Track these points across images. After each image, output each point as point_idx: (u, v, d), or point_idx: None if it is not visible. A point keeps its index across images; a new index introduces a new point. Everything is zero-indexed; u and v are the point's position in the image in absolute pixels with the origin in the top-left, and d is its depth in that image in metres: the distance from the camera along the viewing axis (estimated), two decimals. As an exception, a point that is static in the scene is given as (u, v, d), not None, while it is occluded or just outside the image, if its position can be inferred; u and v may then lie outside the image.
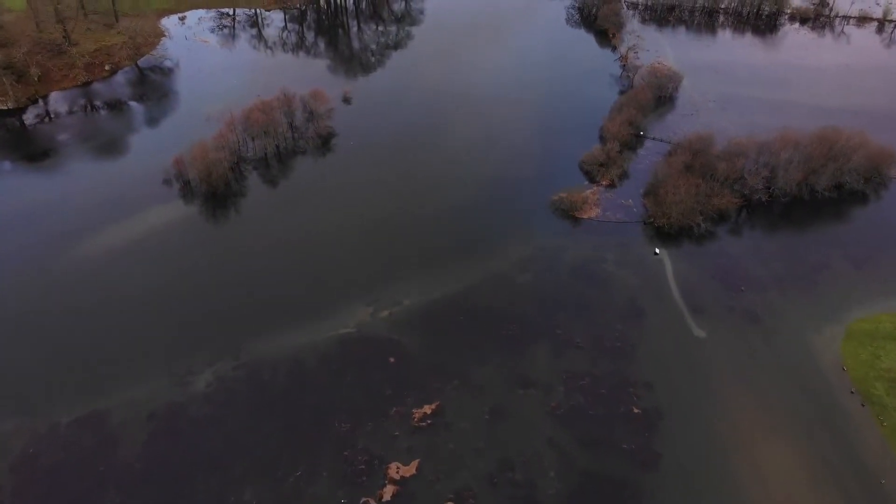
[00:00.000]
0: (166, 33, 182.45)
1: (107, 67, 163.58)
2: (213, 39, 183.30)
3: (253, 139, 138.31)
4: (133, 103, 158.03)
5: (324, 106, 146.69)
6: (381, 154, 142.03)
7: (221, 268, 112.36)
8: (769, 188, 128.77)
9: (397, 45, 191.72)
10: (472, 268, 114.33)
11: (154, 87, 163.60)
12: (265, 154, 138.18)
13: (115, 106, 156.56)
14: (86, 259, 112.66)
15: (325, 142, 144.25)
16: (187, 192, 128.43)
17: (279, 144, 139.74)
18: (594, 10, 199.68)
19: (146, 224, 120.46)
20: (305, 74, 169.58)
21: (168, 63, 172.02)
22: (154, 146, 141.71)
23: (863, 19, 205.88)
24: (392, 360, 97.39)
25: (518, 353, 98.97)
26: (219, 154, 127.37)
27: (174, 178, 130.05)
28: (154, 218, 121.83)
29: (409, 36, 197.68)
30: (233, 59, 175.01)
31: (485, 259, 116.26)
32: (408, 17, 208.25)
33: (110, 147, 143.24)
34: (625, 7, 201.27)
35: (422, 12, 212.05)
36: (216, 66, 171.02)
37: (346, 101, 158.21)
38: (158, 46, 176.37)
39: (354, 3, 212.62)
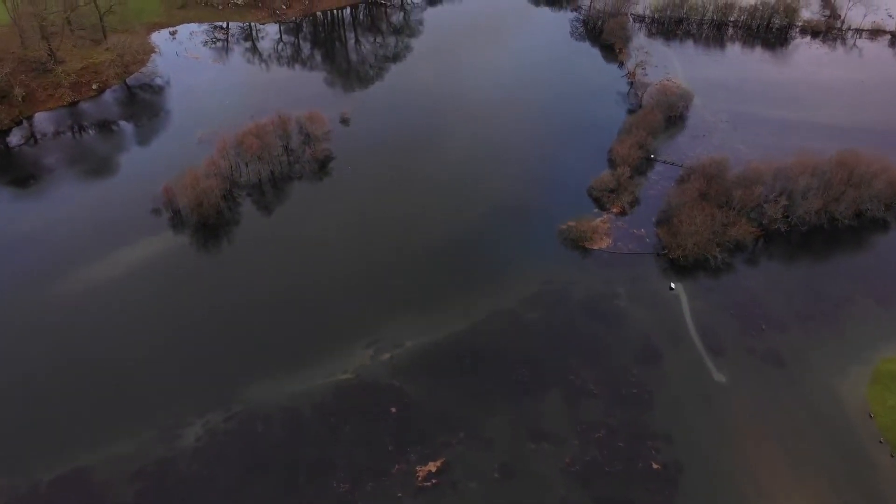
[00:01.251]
0: (156, 49, 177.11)
1: (94, 86, 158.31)
2: (205, 55, 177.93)
3: (246, 164, 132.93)
4: (122, 124, 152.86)
5: (321, 128, 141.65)
6: (380, 180, 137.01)
7: (211, 307, 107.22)
8: (787, 216, 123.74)
9: (396, 58, 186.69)
10: (478, 304, 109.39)
11: (144, 106, 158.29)
12: (259, 180, 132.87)
13: (103, 127, 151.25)
14: (66, 299, 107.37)
15: (322, 166, 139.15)
16: (177, 222, 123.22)
17: (274, 170, 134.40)
18: (600, 22, 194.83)
19: (133, 259, 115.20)
20: (301, 92, 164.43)
21: (158, 81, 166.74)
22: (143, 171, 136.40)
23: (875, 32, 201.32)
24: (394, 409, 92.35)
25: (529, 401, 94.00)
26: (210, 182, 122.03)
27: (164, 206, 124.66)
28: (141, 252, 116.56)
29: (407, 48, 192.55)
30: (226, 76, 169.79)
31: (491, 294, 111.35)
32: (407, 29, 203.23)
33: (97, 171, 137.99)
34: (631, 20, 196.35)
35: (421, 23, 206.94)
36: (209, 84, 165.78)
37: (344, 122, 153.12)
38: (148, 63, 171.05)
39: (352, 14, 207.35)
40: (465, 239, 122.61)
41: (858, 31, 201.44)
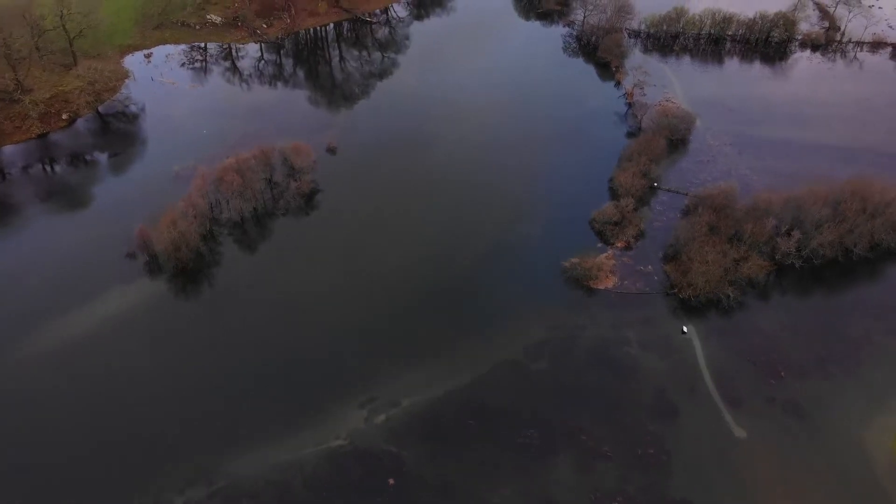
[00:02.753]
0: (130, 74, 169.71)
1: (64, 116, 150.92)
2: (182, 79, 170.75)
3: (227, 200, 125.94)
4: (94, 156, 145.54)
5: (306, 160, 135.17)
6: (371, 215, 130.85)
7: (191, 367, 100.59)
8: (800, 250, 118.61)
9: (382, 75, 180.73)
10: (480, 354, 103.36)
11: (117, 137, 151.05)
12: (241, 217, 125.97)
13: (74, 161, 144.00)
14: (29, 359, 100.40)
15: (308, 200, 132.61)
16: (153, 267, 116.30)
17: (257, 206, 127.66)
18: (594, 38, 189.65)
19: (105, 310, 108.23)
20: (285, 117, 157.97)
21: (133, 108, 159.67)
22: (117, 209, 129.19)
23: (876, 45, 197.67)
24: (392, 481, 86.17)
25: (539, 468, 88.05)
26: (188, 224, 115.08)
27: (139, 249, 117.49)
28: (114, 302, 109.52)
29: (394, 65, 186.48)
30: (204, 102, 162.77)
31: (493, 342, 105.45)
32: (393, 46, 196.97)
33: (67, 210, 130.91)
34: (626, 36, 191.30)
35: (407, 38, 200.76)
36: (186, 111, 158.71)
37: (331, 151, 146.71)
38: (122, 90, 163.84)
39: (336, 32, 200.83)
40: (464, 281, 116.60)
41: (859, 43, 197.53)
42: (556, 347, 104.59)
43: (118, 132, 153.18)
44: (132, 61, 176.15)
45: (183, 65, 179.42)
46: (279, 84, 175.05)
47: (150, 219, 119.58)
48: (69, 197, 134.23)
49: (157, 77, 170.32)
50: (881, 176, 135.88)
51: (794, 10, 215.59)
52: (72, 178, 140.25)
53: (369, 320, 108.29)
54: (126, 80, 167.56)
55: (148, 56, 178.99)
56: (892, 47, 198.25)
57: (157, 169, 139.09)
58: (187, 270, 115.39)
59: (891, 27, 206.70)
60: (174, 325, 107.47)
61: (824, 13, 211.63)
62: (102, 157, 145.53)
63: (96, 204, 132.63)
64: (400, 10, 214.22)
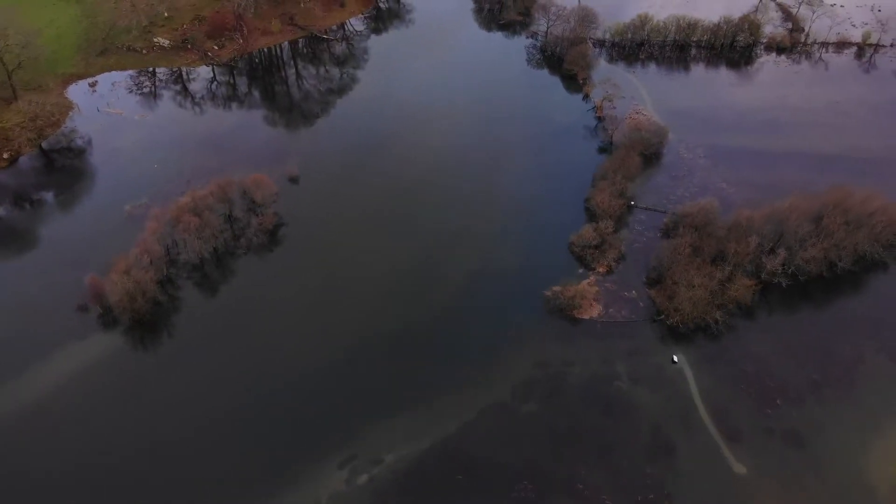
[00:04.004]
0: (74, 106, 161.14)
1: (5, 155, 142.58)
2: (130, 109, 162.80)
3: (185, 241, 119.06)
4: (39, 197, 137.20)
5: (267, 193, 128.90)
6: (338, 248, 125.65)
7: (153, 427, 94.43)
8: (785, 267, 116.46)
9: (341, 92, 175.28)
10: (465, 398, 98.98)
11: (63, 175, 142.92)
12: (200, 259, 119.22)
13: (18, 203, 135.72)
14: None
15: (271, 235, 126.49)
16: (108, 320, 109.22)
17: (217, 246, 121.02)
18: (558, 49, 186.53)
19: (57, 373, 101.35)
20: (241, 145, 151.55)
21: (79, 142, 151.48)
22: (66, 255, 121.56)
23: (841, 45, 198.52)
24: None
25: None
26: (143, 272, 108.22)
27: (91, 301, 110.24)
28: (66, 363, 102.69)
29: (354, 81, 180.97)
30: (154, 133, 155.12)
31: (478, 384, 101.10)
32: (352, 61, 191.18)
33: (12, 258, 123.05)
34: (591, 45, 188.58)
35: (366, 54, 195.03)
36: (135, 143, 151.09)
37: (293, 180, 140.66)
38: (66, 122, 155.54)
39: (291, 50, 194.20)
40: (442, 317, 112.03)
41: (824, 44, 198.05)
42: (545, 386, 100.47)
43: (64, 169, 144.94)
44: (76, 91, 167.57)
45: (131, 91, 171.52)
46: (234, 109, 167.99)
47: (102, 266, 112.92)
48: (13, 243, 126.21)
49: (104, 107, 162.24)
50: (859, 183, 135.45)
51: (756, 10, 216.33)
52: (15, 222, 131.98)
53: (344, 367, 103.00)
54: (70, 112, 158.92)
55: (93, 85, 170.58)
56: (857, 47, 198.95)
57: (108, 209, 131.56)
58: (145, 322, 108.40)
59: (854, 25, 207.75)
60: (134, 383, 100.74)
61: (787, 14, 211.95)
62: (48, 198, 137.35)
63: (43, 250, 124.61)
64: (357, 24, 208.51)
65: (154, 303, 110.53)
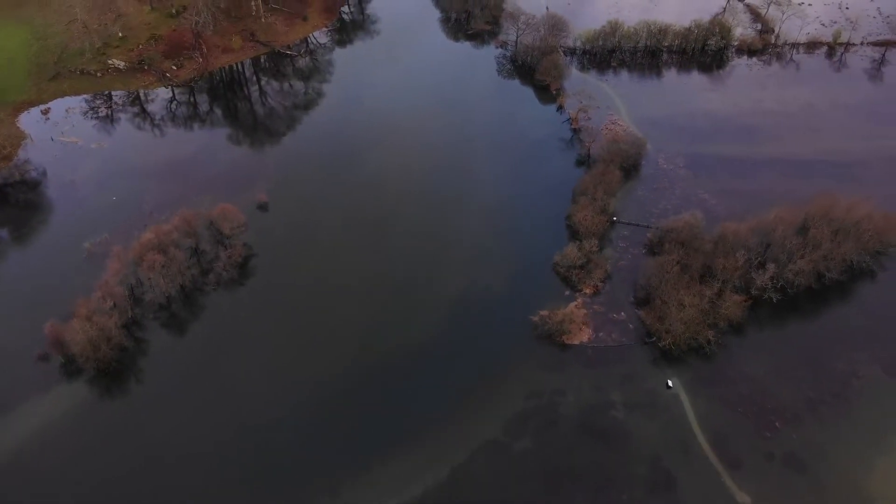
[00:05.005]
0: (27, 136, 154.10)
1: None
2: (86, 136, 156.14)
3: (150, 279, 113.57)
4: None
5: (235, 224, 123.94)
6: (313, 278, 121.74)
7: (122, 486, 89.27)
8: (775, 282, 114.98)
9: (308, 106, 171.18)
10: (456, 438, 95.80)
11: (17, 211, 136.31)
12: (167, 298, 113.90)
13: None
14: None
15: (241, 268, 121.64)
16: (71, 370, 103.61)
17: (184, 283, 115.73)
18: (528, 58, 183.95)
19: (22, 428, 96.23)
20: (206, 171, 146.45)
21: (33, 174, 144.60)
22: (23, 300, 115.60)
23: (812, 45, 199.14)
24: None
25: (537, 574, 79.94)
26: (106, 318, 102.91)
27: (52, 350, 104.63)
28: (28, 419, 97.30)
29: (319, 96, 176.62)
30: (113, 162, 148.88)
31: (468, 421, 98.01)
32: (316, 76, 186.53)
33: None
34: (562, 54, 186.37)
35: (331, 68, 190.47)
36: (93, 174, 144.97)
37: (262, 207, 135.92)
38: (19, 153, 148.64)
39: (254, 67, 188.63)
40: (425, 350, 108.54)
41: (795, 45, 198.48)
42: (538, 420, 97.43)
43: (18, 204, 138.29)
44: (28, 120, 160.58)
45: (86, 113, 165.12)
46: (196, 132, 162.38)
47: (62, 311, 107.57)
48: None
49: (58, 136, 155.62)
50: (840, 187, 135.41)
51: (724, 12, 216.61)
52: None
53: (323, 409, 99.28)
54: (23, 142, 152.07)
55: (45, 112, 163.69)
56: (828, 46, 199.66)
57: (66, 247, 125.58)
58: (110, 371, 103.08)
59: (823, 24, 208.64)
60: (102, 437, 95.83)
61: (756, 15, 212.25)
62: (2, 236, 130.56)
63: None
64: (321, 37, 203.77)
65: (119, 349, 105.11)
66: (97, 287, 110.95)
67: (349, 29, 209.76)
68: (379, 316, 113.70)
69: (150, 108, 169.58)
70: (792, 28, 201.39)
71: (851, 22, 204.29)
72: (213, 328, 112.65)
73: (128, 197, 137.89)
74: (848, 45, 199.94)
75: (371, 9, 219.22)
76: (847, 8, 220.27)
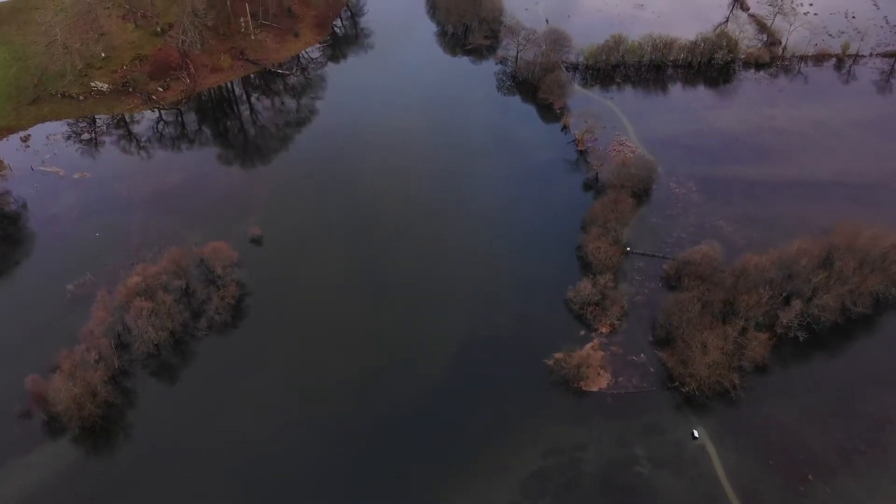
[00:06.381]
0: (6, 165, 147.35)
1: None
2: (68, 166, 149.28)
3: (137, 322, 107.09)
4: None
5: (227, 261, 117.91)
6: (311, 319, 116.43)
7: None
8: (801, 319, 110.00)
9: (302, 132, 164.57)
10: (470, 501, 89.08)
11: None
12: (156, 345, 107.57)
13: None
14: None
15: (235, 310, 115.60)
16: (55, 428, 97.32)
17: (174, 329, 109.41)
18: (529, 74, 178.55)
19: (5, 493, 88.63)
20: (194, 203, 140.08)
21: (13, 207, 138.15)
22: (2, 350, 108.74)
23: (820, 57, 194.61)
24: None
25: None
26: (91, 373, 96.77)
27: (34, 406, 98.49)
28: (14, 481, 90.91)
29: (314, 118, 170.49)
30: (96, 193, 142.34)
31: (482, 482, 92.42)
32: (309, 95, 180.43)
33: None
34: (564, 70, 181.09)
35: (324, 88, 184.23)
36: (75, 207, 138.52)
37: (255, 241, 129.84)
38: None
39: (244, 88, 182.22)
40: (433, 399, 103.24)
41: (803, 57, 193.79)
42: (558, 479, 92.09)
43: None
44: (7, 147, 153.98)
45: (69, 138, 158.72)
46: (184, 159, 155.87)
47: (44, 363, 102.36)
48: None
49: (39, 165, 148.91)
50: (858, 211, 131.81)
51: (727, 22, 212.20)
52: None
53: (325, 467, 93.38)
54: (2, 172, 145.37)
55: (25, 139, 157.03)
56: (836, 58, 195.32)
57: (48, 288, 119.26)
58: (97, 429, 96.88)
59: (830, 35, 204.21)
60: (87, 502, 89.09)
61: (762, 26, 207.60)
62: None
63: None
64: (314, 53, 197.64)
65: (106, 405, 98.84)
66: (81, 336, 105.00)
67: (342, 44, 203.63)
68: (379, 363, 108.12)
69: (136, 132, 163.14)
70: (799, 39, 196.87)
71: (859, 32, 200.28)
72: (206, 376, 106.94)
73: (113, 231, 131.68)
74: (857, 57, 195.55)
75: (364, 23, 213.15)
76: (853, 17, 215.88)
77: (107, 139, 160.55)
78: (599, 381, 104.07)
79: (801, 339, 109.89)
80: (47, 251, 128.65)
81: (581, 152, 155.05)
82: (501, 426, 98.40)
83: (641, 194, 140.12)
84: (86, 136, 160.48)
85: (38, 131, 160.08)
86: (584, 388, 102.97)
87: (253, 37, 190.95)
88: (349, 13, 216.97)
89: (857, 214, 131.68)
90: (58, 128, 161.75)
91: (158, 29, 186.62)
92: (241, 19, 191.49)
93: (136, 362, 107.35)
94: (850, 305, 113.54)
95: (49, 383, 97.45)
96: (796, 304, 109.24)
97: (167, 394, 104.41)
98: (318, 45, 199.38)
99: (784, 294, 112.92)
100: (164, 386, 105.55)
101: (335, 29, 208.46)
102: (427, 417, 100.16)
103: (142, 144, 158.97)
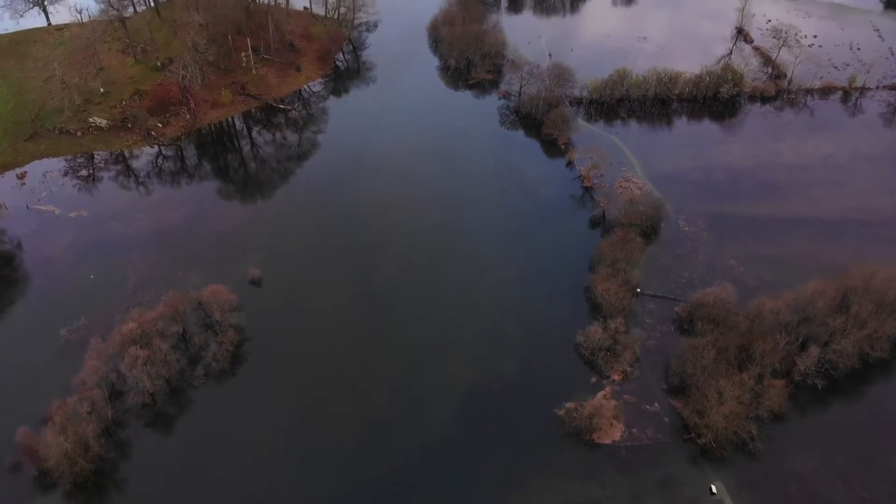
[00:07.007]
0: (1, 203, 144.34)
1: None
2: (64, 204, 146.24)
3: (132, 371, 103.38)
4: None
5: (226, 306, 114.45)
6: (312, 366, 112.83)
7: None
8: (819, 366, 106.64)
9: (303, 170, 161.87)
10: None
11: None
12: (152, 395, 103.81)
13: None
14: None
15: (233, 356, 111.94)
16: (47, 482, 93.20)
17: (170, 376, 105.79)
18: (533, 109, 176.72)
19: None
20: (192, 243, 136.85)
21: (7, 248, 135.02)
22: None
23: (826, 90, 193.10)
24: None
25: None
26: (83, 426, 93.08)
27: (25, 459, 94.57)
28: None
29: (315, 153, 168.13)
30: (92, 234, 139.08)
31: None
32: (311, 130, 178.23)
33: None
34: (567, 103, 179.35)
35: (326, 122, 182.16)
36: (70, 247, 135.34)
37: (255, 283, 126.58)
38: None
39: (245, 123, 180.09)
40: (438, 454, 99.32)
41: (809, 90, 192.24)
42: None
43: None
44: (3, 185, 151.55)
45: (66, 175, 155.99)
46: (184, 197, 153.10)
47: (35, 413, 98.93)
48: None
49: (34, 203, 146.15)
50: (873, 250, 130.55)
51: (730, 54, 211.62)
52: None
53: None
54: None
55: (21, 176, 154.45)
56: (842, 91, 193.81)
57: (40, 333, 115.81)
58: (89, 484, 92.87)
59: (836, 67, 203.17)
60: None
61: (766, 58, 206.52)
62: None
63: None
64: (315, 87, 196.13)
65: (99, 459, 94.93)
66: (74, 384, 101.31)
67: (344, 78, 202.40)
68: (381, 413, 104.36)
69: (135, 168, 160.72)
70: (804, 72, 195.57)
71: (864, 64, 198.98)
72: (202, 427, 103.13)
73: (109, 273, 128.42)
74: (863, 90, 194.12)
75: (366, 56, 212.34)
76: (858, 48, 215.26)
77: (105, 175, 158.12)
78: (613, 433, 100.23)
79: (819, 386, 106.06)
80: (41, 294, 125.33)
81: (587, 188, 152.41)
82: (510, 482, 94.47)
83: (650, 232, 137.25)
84: (83, 172, 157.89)
85: (35, 168, 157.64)
86: (596, 441, 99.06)
87: (254, 71, 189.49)
88: (351, 47, 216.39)
89: (870, 252, 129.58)
90: (55, 164, 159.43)
91: (159, 63, 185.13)
92: (243, 54, 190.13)
93: (130, 412, 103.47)
94: (868, 350, 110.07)
95: (40, 436, 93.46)
96: (814, 351, 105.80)
97: (162, 445, 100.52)
98: (320, 80, 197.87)
99: (800, 339, 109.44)
100: (159, 437, 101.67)
101: (337, 63, 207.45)
102: (432, 473, 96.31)
103: (140, 180, 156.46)
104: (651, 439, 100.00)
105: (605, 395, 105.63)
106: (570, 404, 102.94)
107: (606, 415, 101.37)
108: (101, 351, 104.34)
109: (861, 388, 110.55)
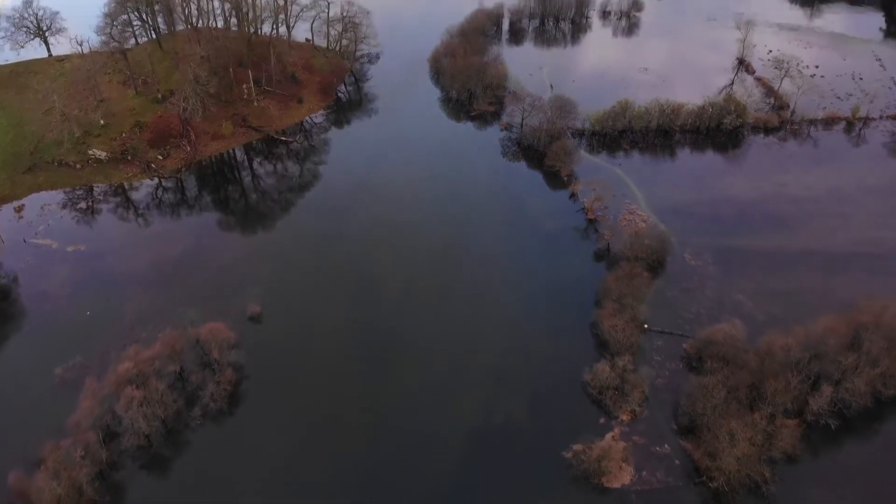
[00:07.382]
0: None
1: None
2: (62, 238, 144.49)
3: (127, 413, 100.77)
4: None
5: (224, 343, 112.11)
6: (311, 406, 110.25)
7: None
8: (832, 404, 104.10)
9: (305, 204, 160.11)
10: None
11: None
12: (147, 436, 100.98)
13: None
14: None
15: (232, 396, 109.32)
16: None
17: (166, 416, 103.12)
18: (535, 141, 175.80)
19: None
20: (191, 278, 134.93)
21: (3, 282, 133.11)
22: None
23: (830, 121, 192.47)
24: None
25: None
26: (76, 470, 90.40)
27: (16, 501, 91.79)
28: None
29: (318, 186, 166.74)
30: (91, 267, 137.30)
31: None
32: (314, 163, 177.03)
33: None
34: (570, 136, 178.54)
35: (329, 154, 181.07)
36: (67, 282, 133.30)
37: (255, 319, 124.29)
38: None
39: (246, 155, 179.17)
40: (443, 497, 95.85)
41: (812, 121, 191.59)
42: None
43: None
44: (0, 218, 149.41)
45: (65, 207, 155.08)
46: (183, 230, 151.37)
47: (29, 455, 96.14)
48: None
49: (31, 237, 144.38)
50: (882, 284, 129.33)
51: (732, 84, 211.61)
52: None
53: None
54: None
55: (19, 209, 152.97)
56: (846, 121, 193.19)
57: (35, 371, 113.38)
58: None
59: (839, 98, 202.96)
60: None
61: (769, 89, 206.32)
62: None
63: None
64: (317, 118, 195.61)
65: (92, 503, 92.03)
66: (68, 426, 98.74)
67: (346, 109, 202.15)
68: (382, 456, 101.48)
69: (134, 200, 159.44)
70: (807, 102, 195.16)
71: (867, 94, 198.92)
72: (198, 470, 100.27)
73: (106, 308, 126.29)
74: (867, 120, 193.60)
75: (368, 88, 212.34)
76: (861, 78, 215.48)
77: (104, 207, 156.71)
78: (622, 476, 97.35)
79: (832, 427, 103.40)
80: (36, 330, 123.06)
81: (591, 220, 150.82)
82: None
83: (656, 266, 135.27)
84: (82, 205, 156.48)
85: (33, 201, 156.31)
86: (605, 484, 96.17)
87: (256, 103, 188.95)
88: (353, 79, 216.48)
89: (879, 286, 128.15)
90: (53, 197, 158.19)
91: (159, 96, 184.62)
92: (244, 86, 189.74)
93: (125, 454, 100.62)
94: (881, 388, 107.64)
95: (32, 482, 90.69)
96: (827, 390, 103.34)
97: (157, 489, 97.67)
98: (321, 111, 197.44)
99: (812, 377, 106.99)
100: (154, 480, 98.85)
101: (339, 95, 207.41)
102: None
103: (140, 213, 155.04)
104: (662, 483, 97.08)
105: (613, 437, 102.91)
106: (577, 446, 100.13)
107: (615, 457, 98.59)
108: (96, 391, 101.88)
109: (874, 425, 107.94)
